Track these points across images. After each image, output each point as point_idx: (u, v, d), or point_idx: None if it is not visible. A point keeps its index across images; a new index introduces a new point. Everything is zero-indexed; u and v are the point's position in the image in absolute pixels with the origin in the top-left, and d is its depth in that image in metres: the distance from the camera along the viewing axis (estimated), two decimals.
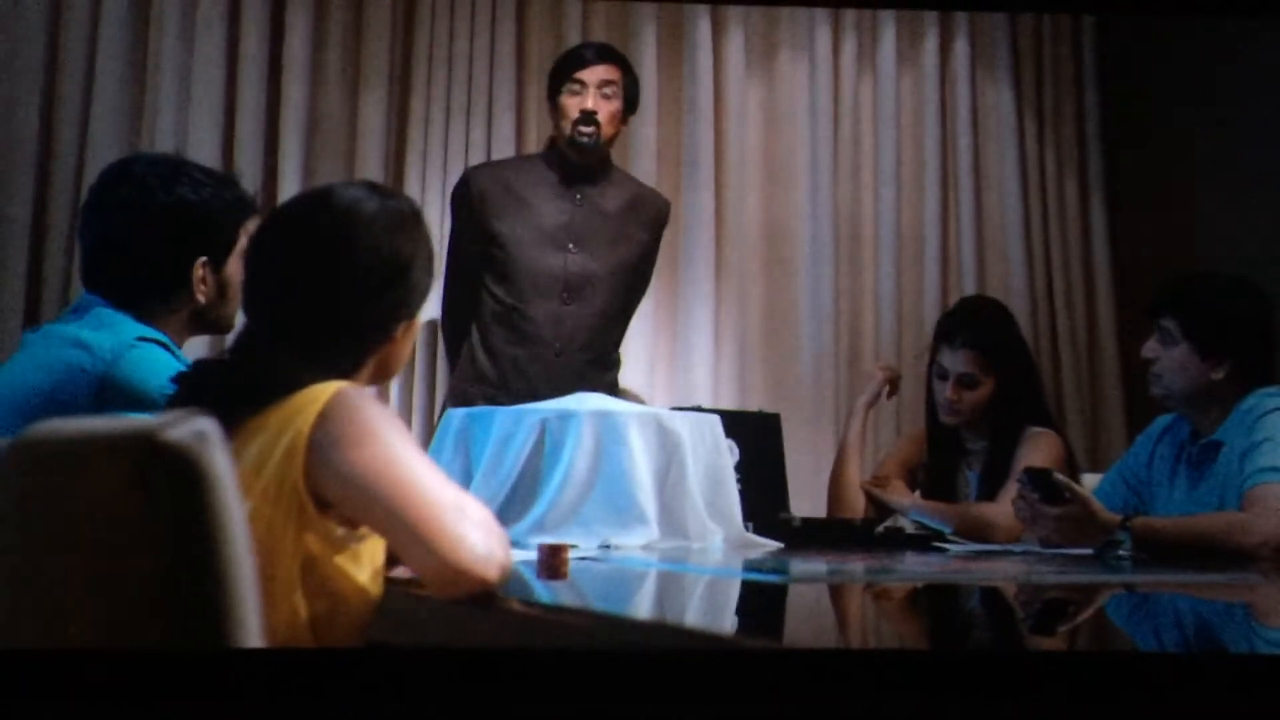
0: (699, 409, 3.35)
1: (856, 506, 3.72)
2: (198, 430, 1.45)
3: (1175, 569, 2.73)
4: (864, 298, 5.05)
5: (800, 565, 2.72)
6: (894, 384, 3.99)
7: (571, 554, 2.69)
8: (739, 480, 3.32)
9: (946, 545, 3.21)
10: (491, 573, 1.76)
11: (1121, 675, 1.71)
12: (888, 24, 5.08)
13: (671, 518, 2.94)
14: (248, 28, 4.54)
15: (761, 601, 2.22)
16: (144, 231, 2.40)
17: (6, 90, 4.38)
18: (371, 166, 4.53)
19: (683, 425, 3.01)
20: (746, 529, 3.12)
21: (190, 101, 4.47)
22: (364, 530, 1.84)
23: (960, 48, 5.12)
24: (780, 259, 5.02)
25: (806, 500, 3.98)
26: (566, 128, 4.04)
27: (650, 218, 4.23)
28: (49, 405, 2.25)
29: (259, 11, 4.56)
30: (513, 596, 1.81)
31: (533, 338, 4.04)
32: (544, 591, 2.17)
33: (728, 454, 3.12)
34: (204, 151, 4.38)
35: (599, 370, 4.11)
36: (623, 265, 4.13)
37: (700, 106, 4.92)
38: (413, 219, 2.04)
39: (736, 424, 3.46)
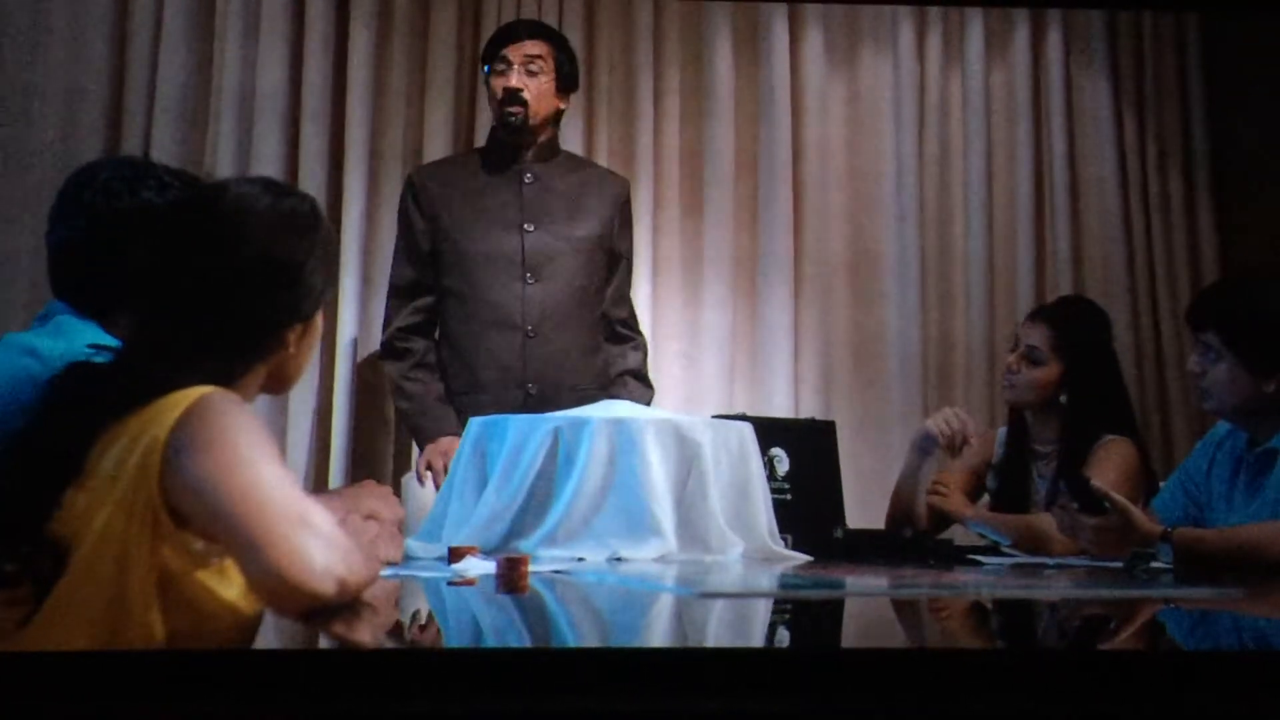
0: (743, 417, 3.21)
1: (918, 516, 3.55)
2: None
3: (1193, 583, 2.53)
4: (954, 303, 4.85)
5: (787, 579, 2.55)
6: (953, 442, 3.50)
7: (577, 567, 2.61)
8: (788, 490, 3.20)
9: (982, 559, 3.03)
10: (326, 587, 1.65)
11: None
12: (975, 16, 4.88)
13: (691, 529, 2.82)
14: (311, 40, 4.52)
15: (661, 617, 2.07)
16: (106, 237, 2.32)
17: (74, 98, 4.43)
18: None
19: (704, 433, 2.88)
20: (784, 541, 2.99)
21: (255, 112, 4.46)
22: None
23: (1053, 39, 4.90)
24: (864, 263, 4.84)
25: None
26: (495, 109, 3.88)
27: (610, 195, 3.98)
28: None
29: (323, 21, 4.53)
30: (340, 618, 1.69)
31: (499, 322, 3.82)
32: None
33: (757, 463, 2.98)
34: (268, 165, 4.39)
35: (584, 354, 3.89)
36: (586, 240, 3.90)
37: (778, 106, 4.76)
38: (309, 219, 1.94)
39: (788, 432, 3.34)
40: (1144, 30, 4.96)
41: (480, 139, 4.56)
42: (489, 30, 4.59)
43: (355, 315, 4.45)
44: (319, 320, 1.97)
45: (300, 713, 1.50)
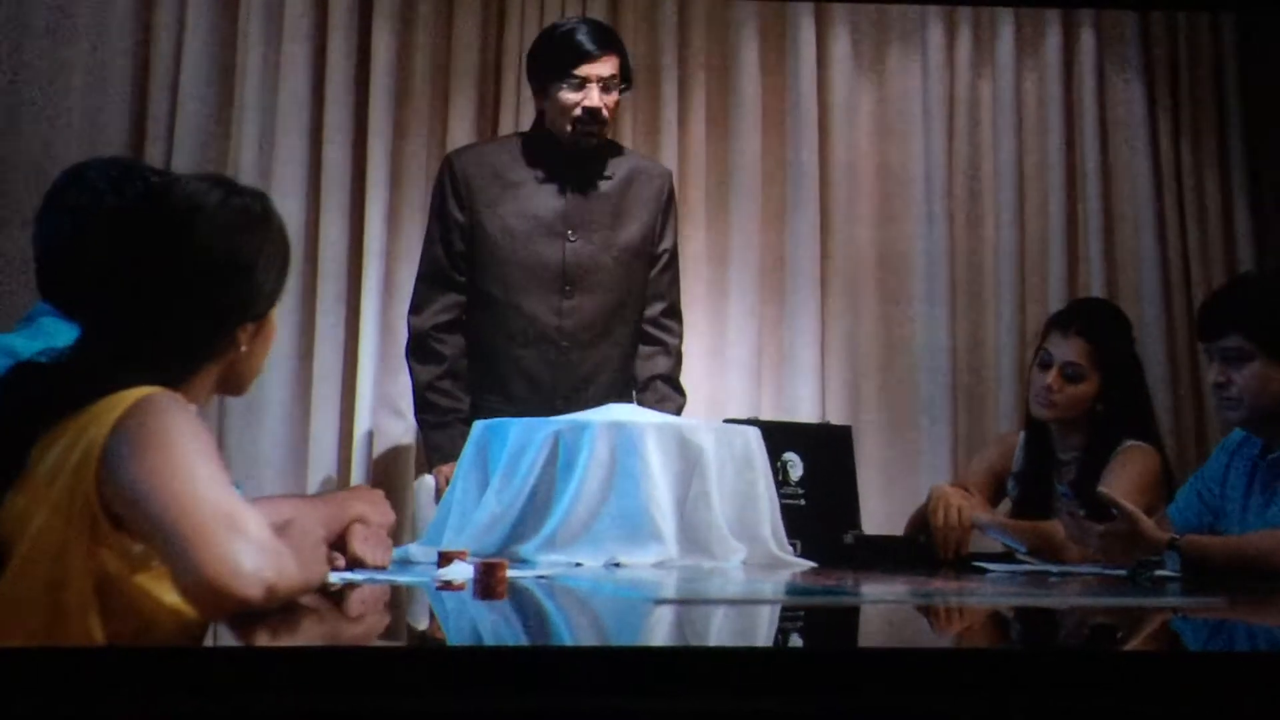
0: (755, 421, 3.17)
1: None
2: None
3: (1190, 593, 2.46)
4: (983, 308, 4.79)
5: (787, 587, 2.50)
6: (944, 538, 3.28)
7: (568, 572, 2.57)
8: (801, 495, 3.16)
9: (988, 566, 2.97)
10: (254, 591, 1.62)
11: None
12: (1006, 18, 4.82)
13: (693, 535, 2.78)
14: (333, 46, 4.52)
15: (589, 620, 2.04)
16: (90, 237, 2.32)
17: (97, 108, 4.44)
18: None
19: (707, 437, 2.84)
20: (793, 546, 2.95)
21: (277, 119, 4.47)
22: None
23: (1086, 41, 4.83)
24: (893, 267, 4.79)
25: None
26: (565, 124, 3.70)
27: (652, 192, 3.86)
28: None
29: (346, 26, 4.53)
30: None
31: (533, 336, 3.74)
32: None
33: (764, 468, 2.94)
34: (289, 171, 4.40)
35: (615, 369, 3.81)
36: (627, 247, 3.81)
37: (805, 109, 4.72)
38: (260, 217, 1.93)
39: (802, 437, 3.31)
40: (1179, 31, 4.88)
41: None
42: (512, 36, 4.59)
43: (376, 320, 4.45)
44: (273, 319, 1.95)
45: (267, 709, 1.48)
